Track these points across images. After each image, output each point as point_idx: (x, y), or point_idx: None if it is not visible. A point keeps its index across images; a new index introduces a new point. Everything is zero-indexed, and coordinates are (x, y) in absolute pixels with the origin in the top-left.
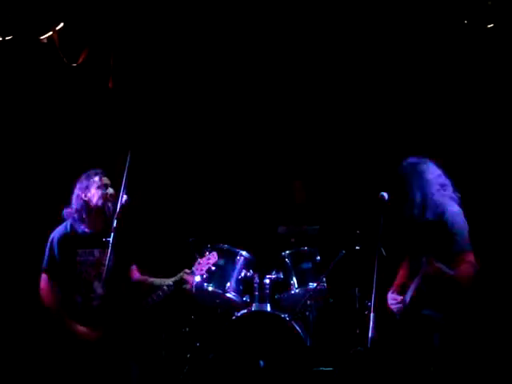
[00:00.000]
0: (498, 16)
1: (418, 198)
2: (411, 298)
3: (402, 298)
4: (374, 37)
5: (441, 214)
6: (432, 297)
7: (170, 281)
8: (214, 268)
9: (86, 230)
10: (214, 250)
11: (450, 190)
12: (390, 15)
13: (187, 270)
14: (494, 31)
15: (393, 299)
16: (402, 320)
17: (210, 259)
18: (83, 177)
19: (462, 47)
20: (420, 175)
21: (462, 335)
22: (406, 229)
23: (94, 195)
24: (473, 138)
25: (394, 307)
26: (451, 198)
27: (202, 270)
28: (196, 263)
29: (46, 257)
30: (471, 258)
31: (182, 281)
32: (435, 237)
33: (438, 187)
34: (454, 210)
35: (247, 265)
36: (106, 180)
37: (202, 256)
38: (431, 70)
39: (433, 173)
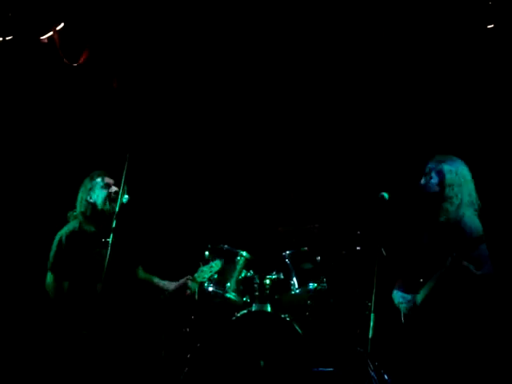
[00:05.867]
0: (498, 16)
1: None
2: (424, 298)
3: (411, 297)
4: (374, 38)
5: (458, 221)
6: (450, 296)
7: (172, 286)
8: (216, 276)
9: (94, 229)
10: (215, 252)
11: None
12: (391, 15)
13: (190, 277)
14: (494, 31)
15: (401, 297)
16: (410, 319)
17: (213, 267)
18: (86, 180)
19: (462, 47)
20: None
21: (477, 333)
22: (419, 229)
23: (99, 196)
24: (473, 139)
25: (402, 306)
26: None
27: (204, 277)
28: (199, 270)
29: (52, 255)
30: (489, 261)
31: (185, 287)
32: (454, 240)
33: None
34: (470, 215)
35: (247, 265)
36: (108, 180)
37: (206, 263)
38: (430, 70)
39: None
